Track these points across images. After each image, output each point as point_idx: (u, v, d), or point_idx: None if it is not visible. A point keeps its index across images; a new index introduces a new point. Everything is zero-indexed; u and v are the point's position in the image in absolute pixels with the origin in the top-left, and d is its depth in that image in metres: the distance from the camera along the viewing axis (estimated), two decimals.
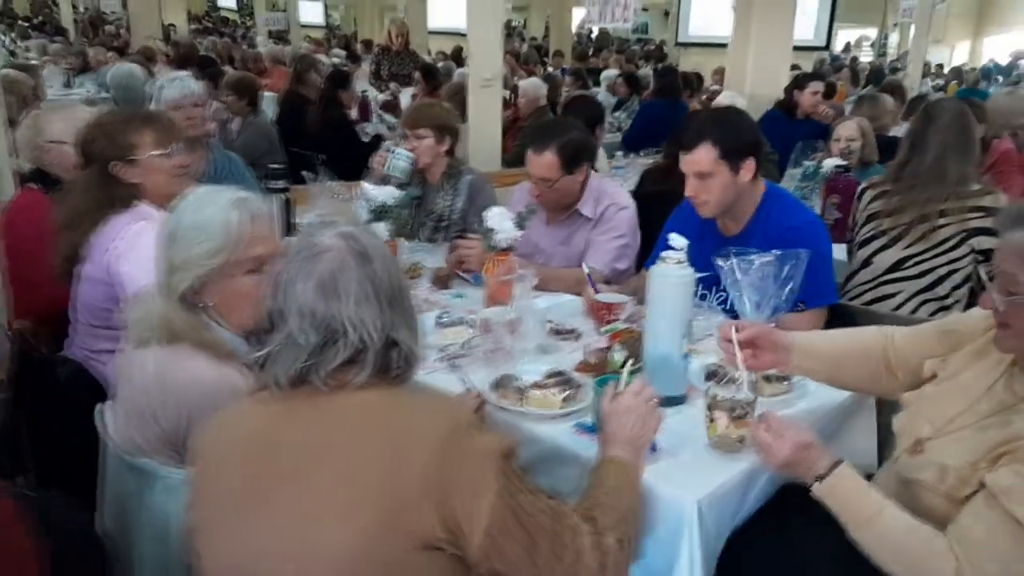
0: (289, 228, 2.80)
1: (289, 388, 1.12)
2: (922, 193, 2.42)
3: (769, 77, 5.67)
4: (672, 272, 1.64)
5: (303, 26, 20.02)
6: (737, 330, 1.53)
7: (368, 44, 14.45)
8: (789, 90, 5.31)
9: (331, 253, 1.14)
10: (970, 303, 2.52)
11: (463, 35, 14.96)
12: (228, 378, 1.39)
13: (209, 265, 1.45)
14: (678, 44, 11.73)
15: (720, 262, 1.78)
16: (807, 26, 10.57)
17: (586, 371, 1.80)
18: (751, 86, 5.71)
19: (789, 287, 1.71)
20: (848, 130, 3.85)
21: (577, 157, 2.54)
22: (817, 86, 5.28)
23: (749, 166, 2.09)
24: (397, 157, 3.05)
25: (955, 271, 2.40)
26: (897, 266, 2.46)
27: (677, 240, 1.65)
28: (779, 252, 1.76)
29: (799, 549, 1.48)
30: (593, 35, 17.76)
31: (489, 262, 2.12)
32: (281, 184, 2.76)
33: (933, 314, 2.43)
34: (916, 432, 1.44)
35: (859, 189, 2.67)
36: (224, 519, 1.14)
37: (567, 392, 1.66)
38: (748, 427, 1.47)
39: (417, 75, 6.40)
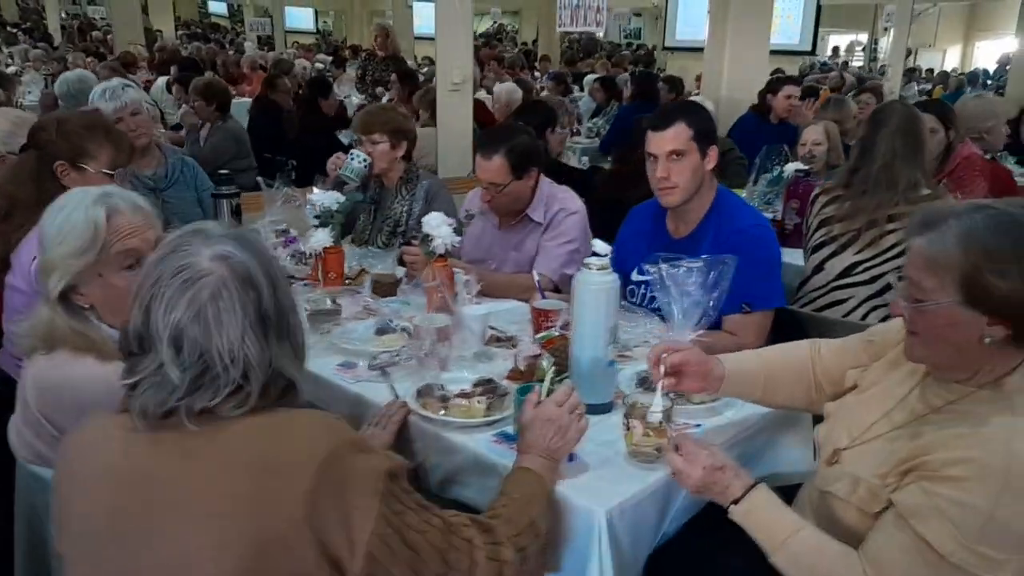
0: None
1: (157, 421, 1.04)
2: (872, 198, 2.39)
3: (746, 81, 5.65)
4: (594, 279, 1.61)
5: (295, 32, 20.10)
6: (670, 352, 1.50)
7: (356, 49, 14.47)
8: (763, 94, 5.31)
9: (210, 278, 1.04)
10: None
11: None
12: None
13: (78, 265, 1.41)
14: (665, 48, 11.74)
15: (648, 268, 1.76)
16: (792, 31, 10.62)
17: (517, 379, 1.77)
18: (727, 89, 5.70)
19: (716, 293, 1.69)
20: (814, 134, 3.84)
21: (526, 162, 2.51)
22: (791, 90, 5.27)
23: (713, 154, 2.11)
24: (353, 158, 3.02)
25: (903, 278, 2.36)
26: (848, 272, 2.43)
27: (600, 246, 1.63)
28: (707, 258, 1.74)
29: (728, 567, 1.45)
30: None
31: (428, 268, 2.09)
32: (229, 190, 2.73)
33: (883, 320, 2.40)
34: (835, 442, 1.42)
35: (812, 194, 2.65)
36: (88, 557, 1.08)
37: (491, 401, 1.63)
38: (665, 436, 1.44)
39: (393, 78, 6.37)
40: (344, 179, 3.10)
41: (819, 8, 10.80)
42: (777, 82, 5.44)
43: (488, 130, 2.61)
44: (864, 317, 2.41)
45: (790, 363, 1.59)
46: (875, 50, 20.86)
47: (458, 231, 2.13)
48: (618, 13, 14.61)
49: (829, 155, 3.85)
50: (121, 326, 1.11)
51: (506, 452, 1.51)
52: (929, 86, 11.20)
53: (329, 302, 2.13)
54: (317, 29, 20.95)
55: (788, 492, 1.54)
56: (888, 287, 2.38)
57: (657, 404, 1.45)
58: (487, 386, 1.70)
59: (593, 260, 1.62)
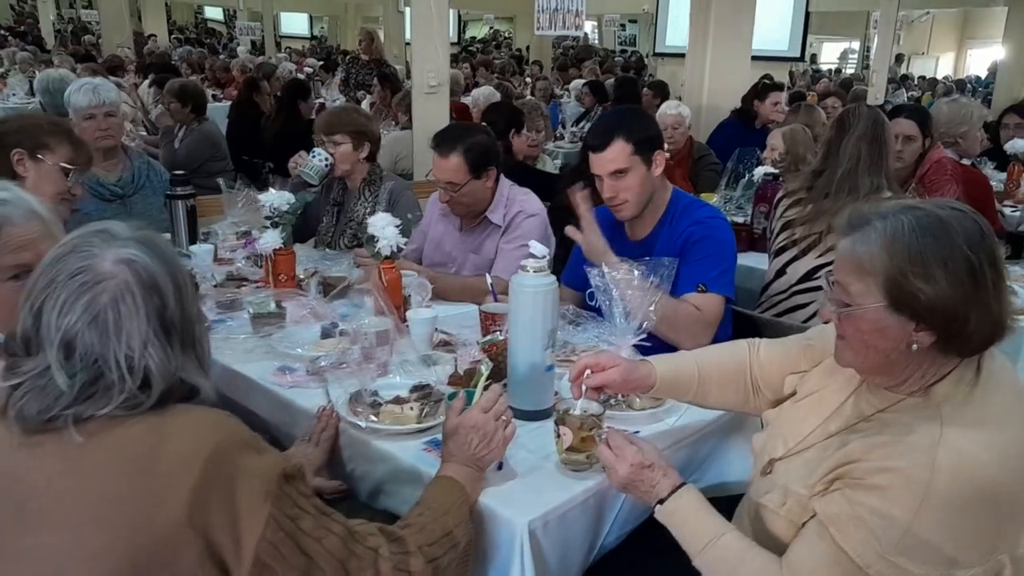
0: (193, 236, 2.73)
1: (36, 427, 0.98)
2: (835, 202, 2.35)
3: (727, 86, 5.62)
4: (530, 281, 1.57)
5: (290, 37, 20.09)
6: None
7: (348, 54, 14.46)
8: (749, 99, 5.28)
9: (111, 282, 1.00)
10: None
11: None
12: None
13: None
14: (655, 54, 11.73)
15: (590, 272, 1.73)
16: (781, 37, 10.61)
17: (457, 384, 1.72)
18: (708, 95, 5.67)
19: (657, 296, 1.66)
20: (774, 139, 3.80)
21: (483, 161, 2.47)
22: (778, 97, 5.27)
23: (659, 159, 2.07)
24: (315, 156, 2.98)
25: None
26: (809, 276, 2.39)
27: (537, 247, 1.58)
28: (649, 260, 1.71)
29: (662, 570, 1.40)
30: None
31: (375, 271, 2.04)
32: (184, 190, 2.69)
33: None
34: (771, 452, 1.37)
35: (776, 197, 2.61)
36: None
37: (425, 407, 1.58)
38: (594, 445, 1.39)
39: (375, 82, 6.34)
40: (304, 178, 3.06)
41: (807, 15, 10.82)
42: (765, 89, 5.41)
43: (445, 128, 2.56)
44: (827, 322, 2.36)
45: (725, 363, 1.54)
46: (868, 57, 20.89)
47: (405, 232, 2.08)
48: (609, 19, 14.59)
49: (787, 159, 3.81)
50: (7, 332, 1.07)
51: (437, 461, 1.45)
52: (917, 93, 11.21)
53: (273, 305, 2.08)
54: (312, 34, 20.93)
55: (736, 502, 1.50)
56: None
57: (584, 409, 1.41)
58: (423, 392, 1.64)
59: (530, 262, 1.58)
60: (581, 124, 6.78)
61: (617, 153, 2.01)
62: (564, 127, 6.70)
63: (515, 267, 2.48)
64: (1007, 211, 4.02)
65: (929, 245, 1.11)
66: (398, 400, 1.61)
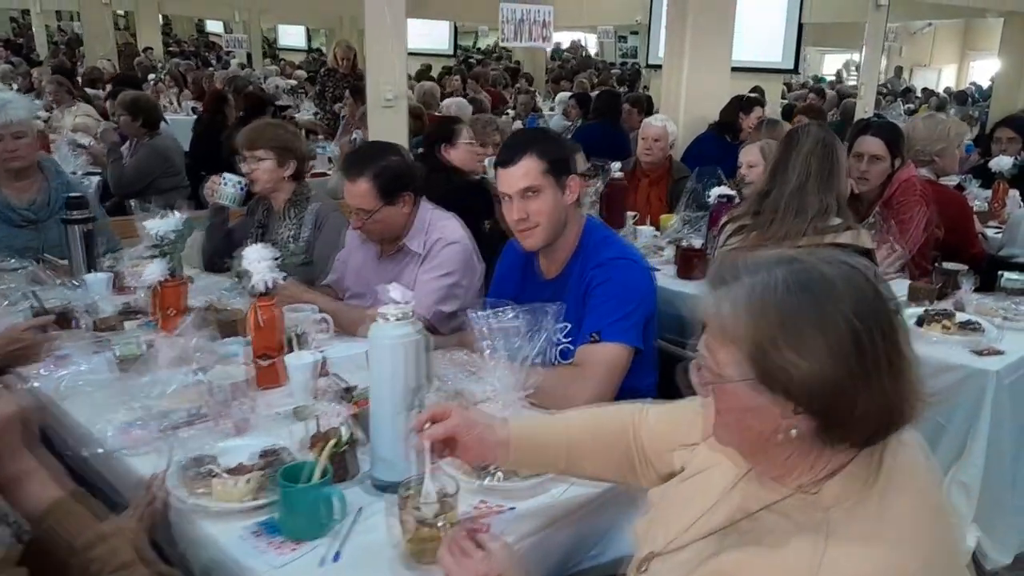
0: (91, 262, 2.52)
1: None
2: (780, 228, 2.13)
3: (705, 99, 5.41)
4: (388, 332, 1.35)
5: (288, 49, 19.98)
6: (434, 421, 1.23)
7: None
8: (732, 113, 5.06)
9: None
10: None
11: (439, 55, 14.85)
12: None
13: None
14: (648, 66, 11.54)
15: (473, 317, 1.52)
16: (775, 49, 10.40)
17: (318, 446, 1.50)
18: (685, 109, 5.45)
19: (542, 340, 1.47)
20: (750, 155, 3.57)
21: (396, 186, 2.26)
22: (760, 111, 5.06)
23: (573, 185, 1.86)
24: (226, 182, 2.79)
25: None
26: None
27: (396, 291, 1.36)
28: (531, 306, 1.50)
29: None
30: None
31: (250, 310, 1.82)
32: (81, 214, 2.48)
33: None
34: (651, 543, 1.14)
35: (721, 222, 2.38)
36: None
37: (265, 479, 1.36)
38: (440, 533, 1.17)
39: (347, 93, 6.17)
40: (218, 206, 2.87)
41: (801, 26, 10.61)
42: (748, 102, 5.20)
43: (354, 151, 2.37)
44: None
45: (603, 429, 1.31)
46: None
47: (282, 265, 1.86)
48: (603, 30, 14.43)
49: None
50: None
51: (265, 550, 1.23)
52: (914, 105, 10.98)
53: (141, 346, 1.86)
54: (309, 47, 20.82)
55: None
56: None
57: (429, 491, 1.18)
58: (272, 458, 1.43)
59: (390, 309, 1.36)
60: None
61: (528, 169, 1.81)
62: None
63: (431, 300, 2.30)
64: (990, 232, 3.79)
65: (805, 309, 0.89)
66: (239, 469, 1.39)
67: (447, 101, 5.46)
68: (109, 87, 8.98)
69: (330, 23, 20.09)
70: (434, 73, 12.68)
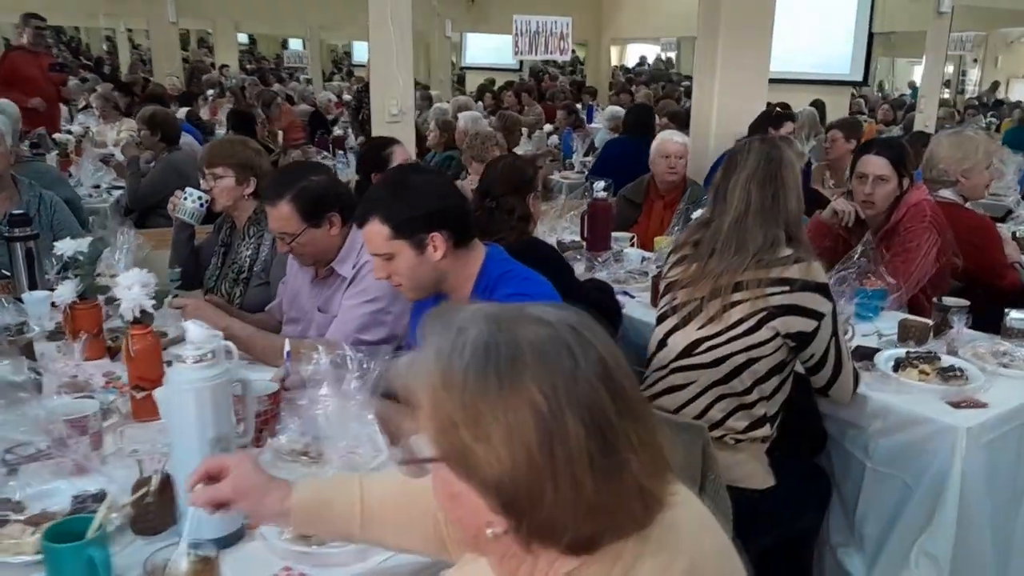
0: (33, 281, 2.50)
1: None
2: (720, 261, 1.91)
3: (739, 114, 5.11)
4: (185, 375, 1.22)
5: (360, 66, 20.36)
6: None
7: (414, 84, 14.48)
8: (762, 127, 4.78)
9: None
10: (790, 401, 1.99)
11: (505, 70, 14.81)
12: None
13: None
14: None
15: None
16: (842, 60, 9.92)
17: (137, 490, 1.38)
18: (717, 124, 5.18)
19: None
20: None
21: (320, 207, 2.15)
22: (791, 127, 4.77)
23: (437, 241, 1.67)
24: (187, 197, 2.75)
25: (755, 360, 1.87)
26: (690, 350, 1.94)
27: (193, 331, 1.23)
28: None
29: None
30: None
31: (125, 338, 1.73)
32: (23, 232, 2.46)
33: (732, 413, 1.91)
34: None
35: (667, 252, 2.18)
36: None
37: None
38: None
39: None
40: (181, 221, 2.83)
41: (871, 35, 10.09)
42: (779, 117, 4.90)
43: (276, 172, 2.27)
44: (708, 408, 1.91)
45: (410, 494, 1.14)
46: (963, 82, 19.65)
47: (161, 295, 1.76)
48: (666, 42, 14.11)
49: None
50: None
51: None
52: (996, 119, 10.28)
53: (24, 370, 1.79)
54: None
55: None
56: (736, 371, 1.89)
57: (177, 567, 1.04)
58: (82, 506, 1.32)
59: (187, 350, 1.23)
60: (590, 155, 6.38)
61: (373, 235, 1.68)
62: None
63: (352, 327, 2.17)
64: None
65: (485, 384, 0.71)
66: (39, 517, 1.29)
67: (463, 115, 5.34)
68: (173, 105, 9.35)
69: None
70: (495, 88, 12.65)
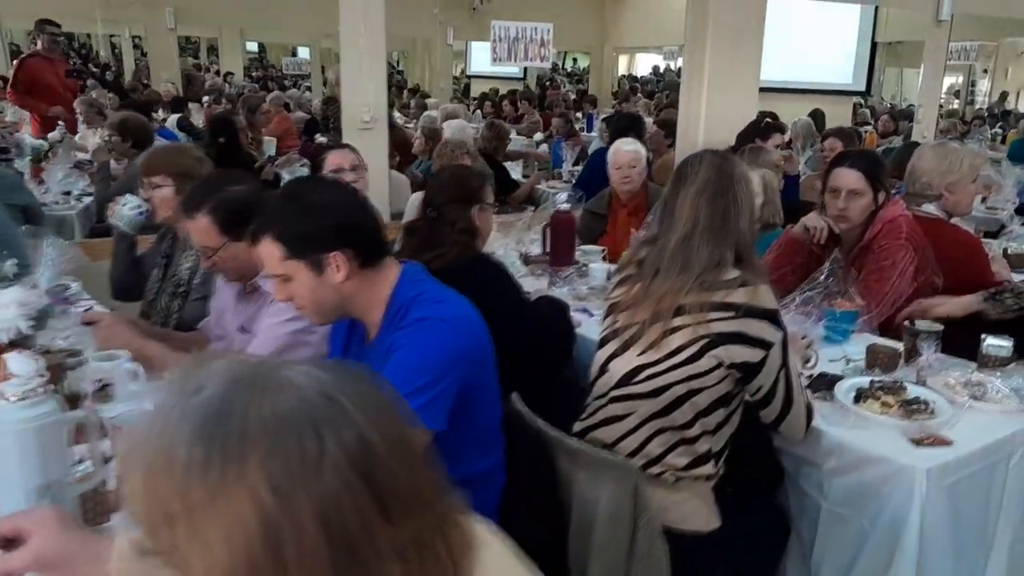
0: None
1: None
2: (664, 282, 1.76)
3: (728, 123, 4.97)
4: (2, 415, 1.08)
5: None
6: None
7: (413, 91, 14.46)
8: (750, 138, 4.63)
9: None
10: (743, 434, 1.83)
11: (508, 78, 14.72)
12: None
13: None
14: None
15: None
16: (845, 70, 9.75)
17: None
18: (705, 133, 5.04)
19: None
20: (759, 183, 3.16)
21: (240, 219, 1.98)
22: (780, 139, 4.62)
23: (339, 261, 1.51)
24: (125, 203, 2.62)
25: (697, 391, 1.71)
26: (629, 378, 1.79)
27: (17, 363, 1.09)
28: None
29: None
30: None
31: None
32: None
33: (672, 448, 1.75)
34: None
35: (613, 271, 2.02)
36: None
37: None
38: None
39: None
40: (119, 230, 2.70)
41: (874, 45, 9.93)
42: (768, 128, 4.76)
43: (196, 183, 2.14)
44: (646, 442, 1.76)
45: None
46: (972, 92, 19.43)
47: (45, 314, 1.63)
48: (668, 51, 13.98)
49: (763, 211, 3.18)
50: None
51: None
52: (1000, 130, 10.08)
53: None
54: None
55: None
56: (677, 403, 1.73)
57: None
58: None
59: (10, 387, 1.09)
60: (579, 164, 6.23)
61: (267, 256, 1.53)
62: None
63: (270, 348, 2.00)
64: None
65: (212, 467, 0.56)
66: None
67: (447, 124, 5.21)
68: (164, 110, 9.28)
69: (403, 46, 20.38)
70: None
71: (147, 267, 2.83)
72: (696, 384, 1.71)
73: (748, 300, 1.68)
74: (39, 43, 6.27)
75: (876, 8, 9.33)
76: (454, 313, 1.57)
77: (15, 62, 6.85)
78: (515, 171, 6.17)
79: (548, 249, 2.98)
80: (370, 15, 3.96)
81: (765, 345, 1.68)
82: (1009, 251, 3.44)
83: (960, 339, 2.24)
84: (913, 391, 1.92)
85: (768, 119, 5.09)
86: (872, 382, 1.96)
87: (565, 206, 2.97)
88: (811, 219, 2.61)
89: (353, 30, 3.97)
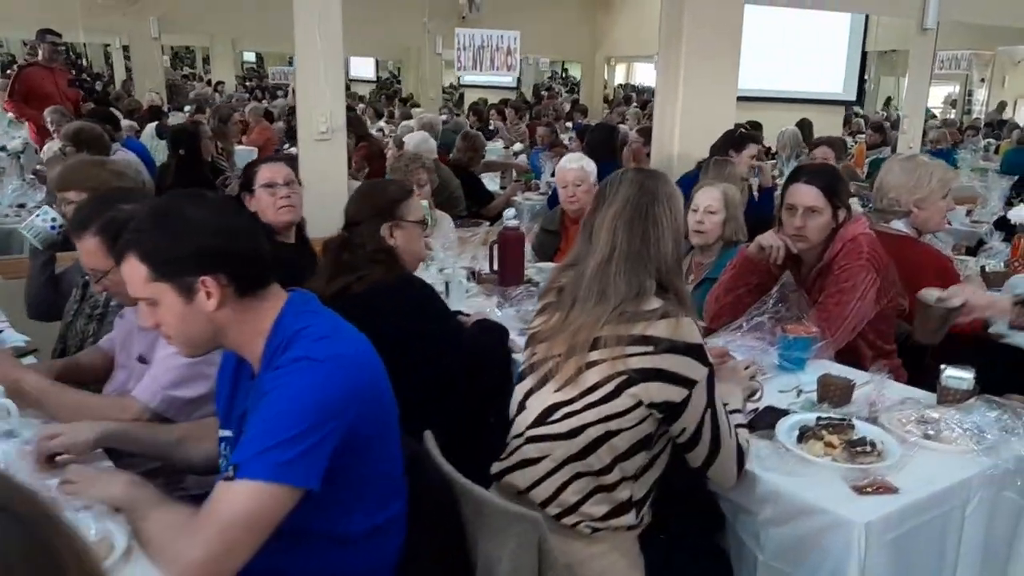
0: None
1: None
2: (581, 312, 1.60)
3: (705, 133, 4.81)
4: None
5: (358, 80, 20.23)
6: None
7: (405, 100, 14.37)
8: (724, 149, 4.47)
9: None
10: (675, 475, 1.67)
11: (501, 88, 14.59)
12: None
13: None
14: None
15: None
16: (835, 79, 9.60)
17: None
18: (681, 143, 4.89)
19: None
20: (708, 198, 3.01)
21: None
22: (755, 149, 4.46)
23: (210, 287, 1.35)
24: (37, 215, 2.48)
25: (615, 433, 1.55)
26: (544, 417, 1.63)
27: None
28: None
29: None
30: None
31: None
32: None
33: (589, 495, 1.58)
34: None
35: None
36: None
37: None
38: None
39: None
40: (31, 244, 2.55)
41: (864, 55, 9.79)
42: (743, 138, 4.59)
43: (83, 202, 1.99)
44: (562, 488, 1.59)
45: None
46: (969, 103, 19.30)
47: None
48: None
49: (725, 227, 3.03)
50: None
51: None
52: (994, 140, 9.93)
53: None
54: (377, 77, 21.05)
55: None
56: (593, 446, 1.57)
57: None
58: None
59: None
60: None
61: (131, 276, 1.37)
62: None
63: (163, 383, 1.86)
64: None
65: None
66: None
67: (408, 136, 5.05)
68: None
69: (398, 55, 20.29)
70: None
71: (67, 286, 2.67)
72: (614, 425, 1.54)
73: (669, 334, 1.52)
74: (40, 52, 6.25)
75: (867, 17, 9.19)
76: (336, 352, 1.38)
77: (11, 70, 6.83)
78: (493, 182, 6.04)
79: (495, 267, 2.83)
80: (327, 20, 3.81)
81: (688, 383, 1.52)
82: (987, 268, 3.28)
83: (935, 363, 2.08)
84: (861, 429, 1.75)
85: (743, 129, 4.93)
86: (819, 419, 1.79)
87: (513, 222, 2.81)
88: (767, 238, 2.44)
89: (308, 35, 3.82)
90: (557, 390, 1.61)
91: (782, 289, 2.21)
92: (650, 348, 1.51)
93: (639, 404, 1.53)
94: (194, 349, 1.46)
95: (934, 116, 17.93)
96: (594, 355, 1.55)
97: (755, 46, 8.94)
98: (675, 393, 1.52)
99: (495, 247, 2.81)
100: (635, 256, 1.58)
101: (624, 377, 1.52)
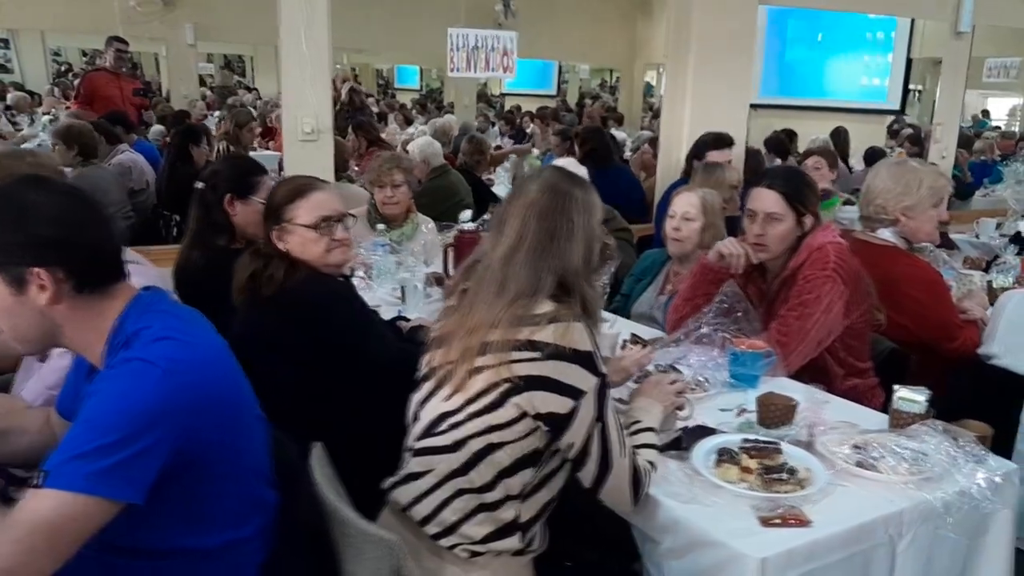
0: None
1: None
2: (479, 310, 1.48)
3: None
4: None
5: (403, 89, 20.41)
6: None
7: (440, 106, 14.42)
8: (701, 153, 4.20)
9: None
10: (569, 506, 1.53)
11: (542, 95, 14.52)
12: None
13: None
14: None
15: None
16: (878, 89, 9.25)
17: None
18: (687, 151, 4.70)
19: None
20: (685, 203, 2.86)
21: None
22: (729, 153, 4.20)
23: (43, 280, 1.26)
24: None
25: (497, 446, 1.42)
26: (431, 428, 1.51)
27: None
28: None
29: None
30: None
31: None
32: None
33: (470, 515, 1.46)
34: None
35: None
36: None
37: None
38: None
39: (349, 128, 5.87)
40: None
41: (909, 62, 9.40)
42: (717, 141, 4.26)
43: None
44: (443, 506, 1.47)
45: None
46: None
47: None
48: None
49: (704, 235, 2.86)
50: None
51: None
52: None
53: None
54: (421, 86, 21.21)
55: None
56: (475, 460, 1.44)
57: None
58: None
59: None
60: None
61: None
62: None
63: (48, 383, 1.75)
64: None
65: None
66: None
67: (413, 143, 4.97)
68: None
69: (439, 63, 20.42)
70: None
71: None
72: (495, 437, 1.42)
73: (556, 340, 1.39)
74: (107, 58, 6.59)
75: (912, 22, 8.85)
76: (175, 355, 1.26)
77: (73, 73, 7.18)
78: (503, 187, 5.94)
79: (451, 271, 2.71)
80: (313, 21, 3.77)
81: (575, 393, 1.39)
82: (995, 284, 3.05)
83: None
84: (788, 454, 1.59)
85: (722, 135, 4.59)
86: (745, 440, 1.63)
87: (469, 225, 2.69)
88: (727, 245, 2.29)
89: (294, 36, 3.78)
90: (447, 398, 1.49)
91: (726, 298, 2.05)
92: (536, 354, 1.39)
93: (524, 415, 1.40)
94: (27, 345, 1.37)
95: (997, 127, 17.29)
96: (481, 360, 1.43)
97: (791, 54, 8.71)
98: (560, 404, 1.39)
99: (450, 250, 2.69)
100: (540, 249, 1.46)
101: (508, 385, 1.40)
